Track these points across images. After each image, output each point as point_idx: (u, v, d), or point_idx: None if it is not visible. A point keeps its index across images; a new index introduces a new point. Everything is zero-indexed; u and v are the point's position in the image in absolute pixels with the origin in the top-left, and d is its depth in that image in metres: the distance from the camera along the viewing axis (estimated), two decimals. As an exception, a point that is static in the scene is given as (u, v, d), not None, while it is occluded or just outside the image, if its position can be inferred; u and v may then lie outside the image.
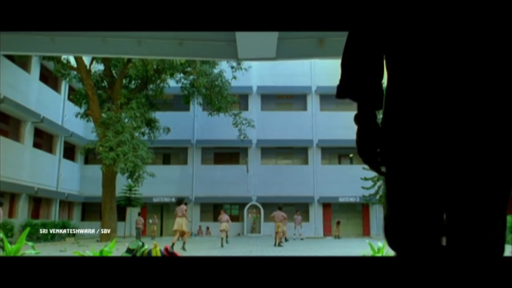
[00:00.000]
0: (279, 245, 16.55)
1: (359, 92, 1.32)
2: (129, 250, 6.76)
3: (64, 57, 18.52)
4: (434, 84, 1.19)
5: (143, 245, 6.71)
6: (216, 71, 19.95)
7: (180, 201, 13.42)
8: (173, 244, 11.99)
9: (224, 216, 17.59)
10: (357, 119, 1.33)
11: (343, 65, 1.36)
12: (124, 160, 16.19)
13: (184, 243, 13.01)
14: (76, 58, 18.24)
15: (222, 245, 15.77)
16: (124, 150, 16.26)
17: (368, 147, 1.30)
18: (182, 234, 13.03)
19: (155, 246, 6.83)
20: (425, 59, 1.20)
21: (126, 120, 17.52)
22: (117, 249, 8.37)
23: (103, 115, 17.44)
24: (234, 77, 19.78)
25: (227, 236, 18.86)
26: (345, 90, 1.35)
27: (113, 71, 20.17)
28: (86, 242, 18.93)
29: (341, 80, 1.36)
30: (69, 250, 12.37)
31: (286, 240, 18.87)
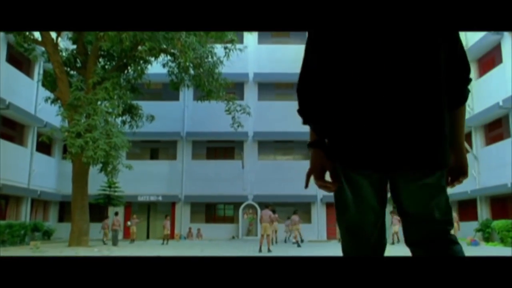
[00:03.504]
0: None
1: (317, 122, 1.58)
2: None
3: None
4: (372, 96, 1.43)
5: None
6: (205, 49, 17.17)
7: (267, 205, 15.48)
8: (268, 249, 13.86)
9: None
10: (310, 146, 1.59)
11: (300, 97, 1.62)
12: (94, 148, 13.45)
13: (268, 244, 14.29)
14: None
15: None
16: (94, 136, 13.53)
17: (317, 170, 1.53)
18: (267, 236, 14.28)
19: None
20: (365, 84, 1.44)
21: (100, 102, 14.80)
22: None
23: (72, 96, 14.65)
24: (227, 54, 17.04)
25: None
26: (309, 119, 1.60)
27: (88, 48, 17.45)
28: (52, 246, 16.24)
29: (303, 110, 1.61)
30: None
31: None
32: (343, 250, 1.62)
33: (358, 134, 1.42)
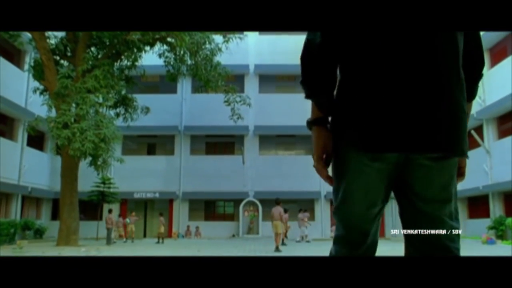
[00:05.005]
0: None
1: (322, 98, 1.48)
2: None
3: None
4: (382, 80, 1.36)
5: None
6: (202, 35, 16.13)
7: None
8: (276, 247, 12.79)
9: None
10: (311, 124, 1.49)
11: (304, 71, 1.47)
12: (81, 139, 12.44)
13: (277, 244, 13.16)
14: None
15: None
16: (81, 126, 12.53)
17: (321, 151, 1.46)
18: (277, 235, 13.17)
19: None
20: (376, 66, 1.37)
21: (89, 92, 13.77)
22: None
23: (59, 84, 13.62)
24: (226, 41, 16.04)
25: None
26: (313, 93, 1.47)
27: (80, 36, 16.42)
28: (39, 246, 15.26)
29: (305, 83, 1.48)
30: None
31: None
32: (335, 241, 1.53)
33: (383, 116, 1.34)
